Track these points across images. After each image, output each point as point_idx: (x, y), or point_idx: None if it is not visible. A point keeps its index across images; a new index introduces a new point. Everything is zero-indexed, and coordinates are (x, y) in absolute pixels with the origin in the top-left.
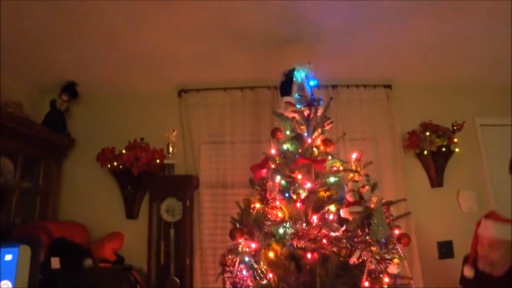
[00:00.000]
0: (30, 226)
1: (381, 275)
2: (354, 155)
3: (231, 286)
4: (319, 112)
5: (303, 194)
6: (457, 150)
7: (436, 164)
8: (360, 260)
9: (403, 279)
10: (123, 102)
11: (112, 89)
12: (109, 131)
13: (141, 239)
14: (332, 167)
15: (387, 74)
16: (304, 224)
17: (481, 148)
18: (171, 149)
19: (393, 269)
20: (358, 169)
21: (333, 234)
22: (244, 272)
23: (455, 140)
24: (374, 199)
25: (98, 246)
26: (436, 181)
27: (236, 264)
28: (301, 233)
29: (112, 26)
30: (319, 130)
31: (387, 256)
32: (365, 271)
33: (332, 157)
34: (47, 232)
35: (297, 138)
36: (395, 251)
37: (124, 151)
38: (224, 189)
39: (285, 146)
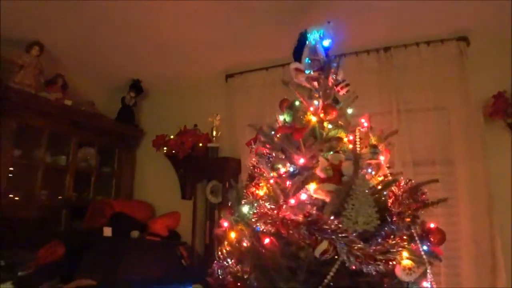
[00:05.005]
0: (100, 202)
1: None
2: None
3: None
4: (339, 76)
5: (282, 170)
6: None
7: None
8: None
9: None
10: (181, 93)
11: (171, 82)
12: (172, 120)
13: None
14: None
15: (460, 23)
16: (268, 204)
17: None
18: (214, 132)
19: (400, 273)
20: (359, 138)
21: (293, 217)
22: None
23: None
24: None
25: (153, 222)
26: None
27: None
28: (259, 214)
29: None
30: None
31: (378, 256)
32: (334, 269)
33: (335, 125)
34: (110, 206)
35: (290, 107)
36: (400, 249)
37: (172, 136)
38: None
39: (281, 117)
